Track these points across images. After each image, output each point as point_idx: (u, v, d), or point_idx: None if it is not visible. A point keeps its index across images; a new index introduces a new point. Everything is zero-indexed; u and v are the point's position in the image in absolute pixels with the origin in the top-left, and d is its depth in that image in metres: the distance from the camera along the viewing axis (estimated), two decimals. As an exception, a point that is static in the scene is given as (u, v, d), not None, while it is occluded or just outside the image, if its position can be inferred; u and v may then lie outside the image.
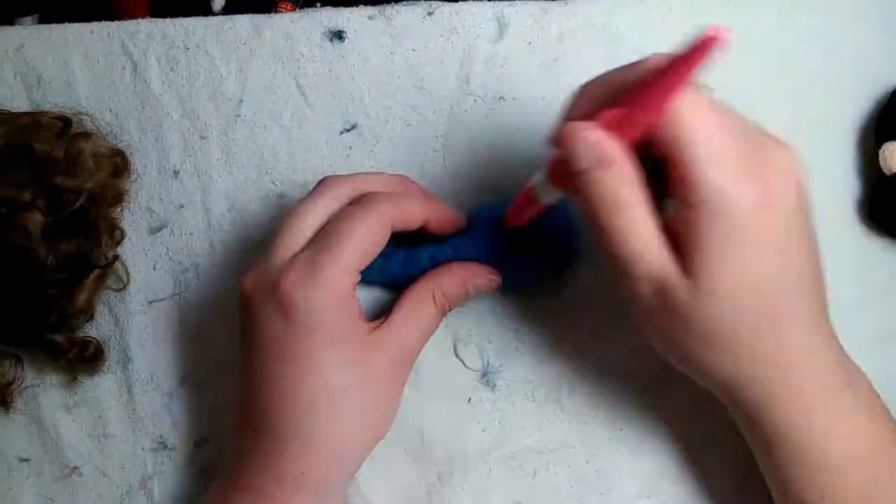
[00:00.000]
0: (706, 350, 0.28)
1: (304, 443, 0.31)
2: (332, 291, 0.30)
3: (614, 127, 0.26)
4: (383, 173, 0.35)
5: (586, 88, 0.29)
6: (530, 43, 0.39)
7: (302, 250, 0.31)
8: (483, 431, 0.37)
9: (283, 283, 0.30)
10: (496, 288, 0.35)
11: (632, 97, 0.26)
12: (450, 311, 0.34)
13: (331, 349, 0.31)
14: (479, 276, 0.35)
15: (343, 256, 0.31)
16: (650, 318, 0.29)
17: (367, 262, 0.32)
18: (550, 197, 0.31)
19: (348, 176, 0.34)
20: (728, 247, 0.26)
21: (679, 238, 0.27)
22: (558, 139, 0.27)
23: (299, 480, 0.31)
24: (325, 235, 0.31)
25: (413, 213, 0.33)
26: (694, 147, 0.26)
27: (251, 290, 0.32)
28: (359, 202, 0.32)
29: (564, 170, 0.28)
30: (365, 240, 0.31)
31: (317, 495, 0.31)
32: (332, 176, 0.34)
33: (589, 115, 0.27)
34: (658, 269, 0.27)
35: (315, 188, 0.33)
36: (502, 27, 0.40)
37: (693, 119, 0.26)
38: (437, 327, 0.34)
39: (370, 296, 0.37)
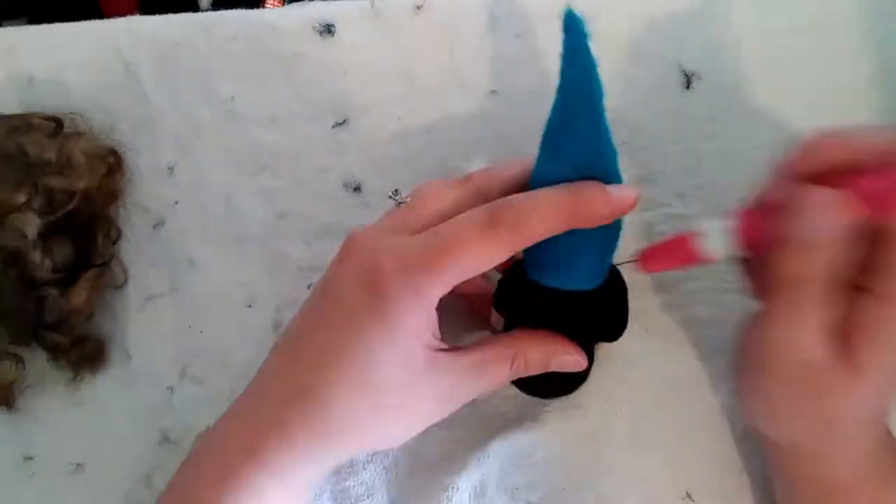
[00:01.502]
0: (815, 435, 0.29)
1: (312, 400, 0.29)
2: (421, 300, 0.29)
3: (866, 201, 0.25)
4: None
5: (821, 145, 0.28)
6: (519, 36, 0.40)
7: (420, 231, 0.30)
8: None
9: (385, 263, 0.29)
10: (580, 369, 0.33)
11: (880, 184, 0.25)
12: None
13: (389, 349, 0.29)
14: (568, 353, 0.32)
15: (448, 270, 0.29)
16: (776, 398, 0.29)
17: (469, 277, 0.29)
18: (722, 254, 0.29)
19: (498, 174, 0.32)
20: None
21: (853, 322, 0.27)
22: (786, 196, 0.26)
23: (292, 434, 0.30)
24: (446, 235, 0.29)
25: (549, 223, 0.29)
26: None
27: (358, 243, 0.30)
28: (491, 208, 0.29)
29: (764, 229, 0.27)
30: (477, 262, 0.29)
31: (297, 460, 0.30)
32: (486, 170, 0.32)
33: (821, 176, 0.26)
34: (811, 355, 0.27)
35: (467, 176, 0.32)
36: (492, 20, 0.40)
37: None
38: (499, 387, 0.33)
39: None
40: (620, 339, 0.36)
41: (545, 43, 0.39)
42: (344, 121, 0.40)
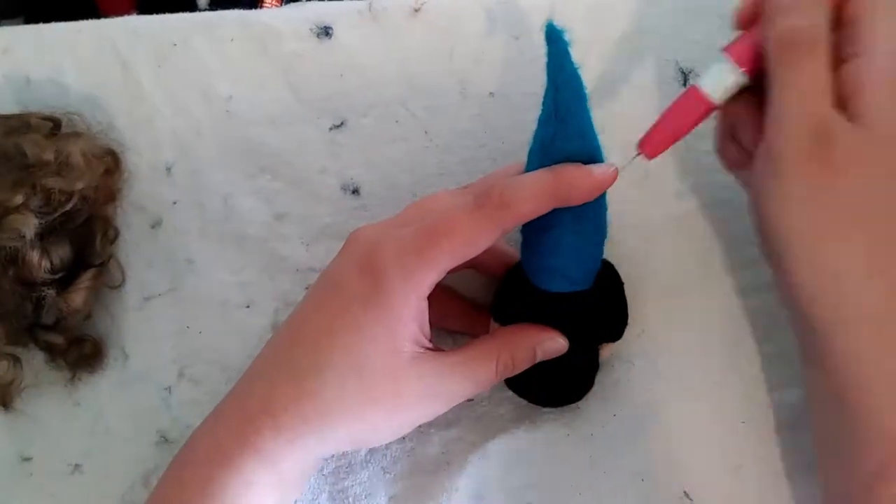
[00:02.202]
0: (840, 227, 0.28)
1: (301, 383, 0.30)
2: (411, 279, 0.29)
3: None
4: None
5: None
6: (518, 38, 0.40)
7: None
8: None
9: (382, 250, 0.30)
10: (564, 350, 0.33)
11: None
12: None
13: (379, 332, 0.30)
14: (551, 339, 0.33)
15: (440, 254, 0.29)
16: (790, 178, 0.28)
17: (458, 263, 0.30)
18: (724, 88, 0.30)
19: (498, 177, 0.32)
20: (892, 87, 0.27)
21: (845, 90, 0.27)
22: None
23: (278, 414, 0.30)
24: (435, 219, 0.30)
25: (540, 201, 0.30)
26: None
27: (360, 236, 0.31)
28: (483, 187, 0.31)
29: (753, 48, 0.29)
30: (466, 243, 0.30)
31: (283, 441, 0.30)
32: (487, 176, 0.34)
33: None
34: (824, 117, 0.27)
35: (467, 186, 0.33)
36: (491, 22, 0.40)
37: None
38: (487, 388, 0.33)
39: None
40: (620, 340, 0.36)
41: (543, 44, 0.39)
42: (342, 123, 0.40)
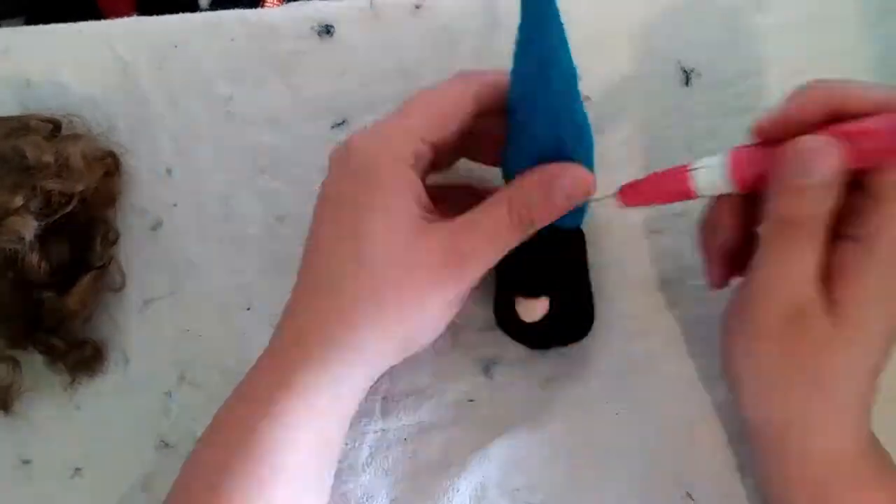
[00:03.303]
0: (804, 384, 0.29)
1: (324, 295, 0.29)
2: (389, 147, 0.29)
3: (855, 149, 0.27)
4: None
5: (809, 93, 0.28)
6: (518, 35, 0.40)
7: None
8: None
9: (364, 139, 0.30)
10: (591, 192, 0.30)
11: (869, 131, 0.26)
12: (537, 228, 0.30)
13: (378, 215, 0.29)
14: (570, 174, 0.30)
15: (410, 117, 0.30)
16: (760, 344, 0.29)
17: (438, 132, 0.30)
18: (711, 189, 0.30)
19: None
20: (879, 292, 0.28)
21: (833, 270, 0.28)
22: (781, 141, 0.28)
23: (308, 332, 0.30)
24: (413, 95, 0.31)
25: (499, 87, 0.31)
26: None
27: (348, 140, 0.31)
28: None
29: (752, 169, 0.28)
30: (435, 105, 0.30)
31: (323, 359, 0.29)
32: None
33: (808, 122, 0.27)
34: (804, 301, 0.28)
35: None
36: (491, 20, 0.40)
37: None
38: (509, 244, 0.30)
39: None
40: (619, 340, 0.36)
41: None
42: (343, 121, 0.40)
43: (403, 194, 0.29)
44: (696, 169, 0.30)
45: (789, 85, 0.38)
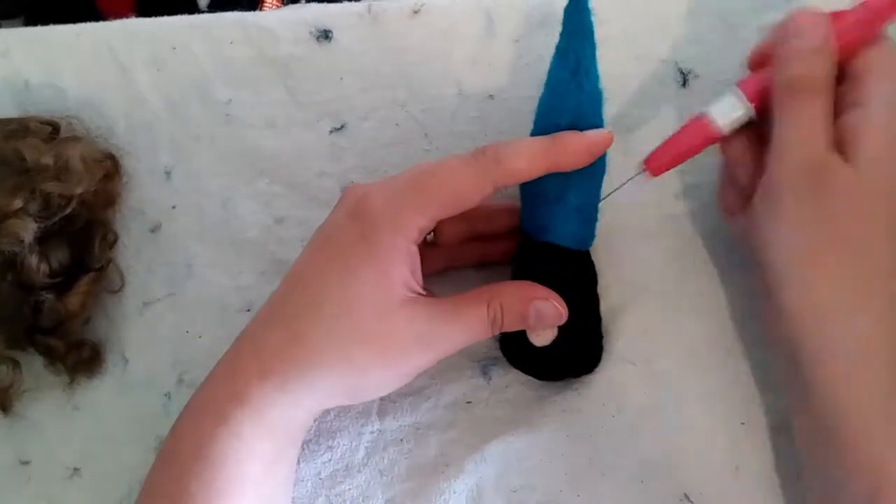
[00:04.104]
0: (820, 252, 0.29)
1: (290, 325, 0.30)
2: (398, 221, 0.30)
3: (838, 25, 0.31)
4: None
5: (785, 21, 0.32)
6: (518, 40, 0.40)
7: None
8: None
9: (373, 196, 0.31)
10: (562, 321, 0.33)
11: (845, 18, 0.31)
12: (501, 331, 0.32)
13: (370, 271, 0.30)
14: (546, 300, 0.32)
15: (425, 195, 0.30)
16: (787, 205, 0.30)
17: (447, 212, 0.31)
18: (732, 120, 0.32)
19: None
20: (887, 140, 0.29)
21: (842, 137, 0.30)
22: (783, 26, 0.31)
23: (266, 359, 0.30)
24: (429, 166, 0.31)
25: (537, 161, 0.31)
26: (877, 64, 0.30)
27: (353, 188, 0.32)
28: (482, 149, 0.31)
29: (761, 86, 0.31)
30: (457, 191, 0.30)
31: (280, 377, 0.30)
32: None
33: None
34: (821, 154, 0.29)
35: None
36: (490, 25, 0.40)
37: (878, 54, 0.31)
38: (480, 337, 0.32)
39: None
40: (618, 340, 0.36)
41: (543, 48, 0.39)
42: (342, 126, 0.40)
43: (400, 265, 0.30)
44: (712, 110, 0.32)
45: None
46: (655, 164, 0.33)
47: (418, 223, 0.30)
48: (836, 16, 0.31)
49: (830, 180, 0.29)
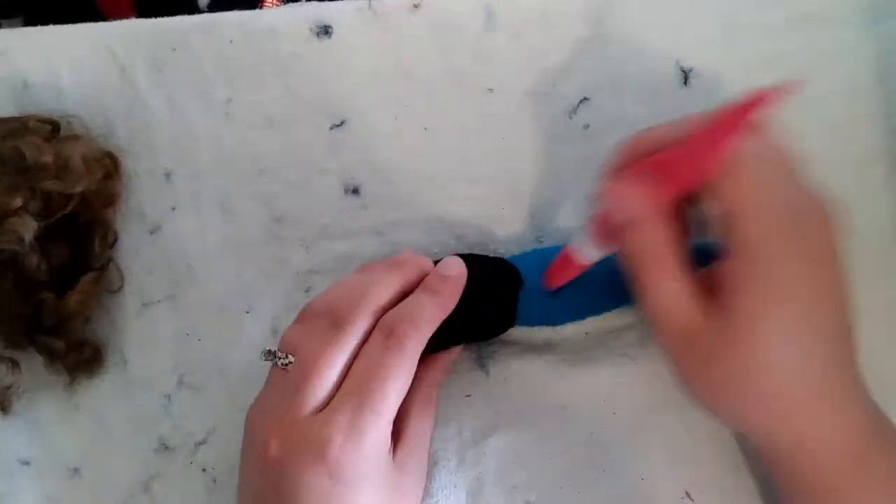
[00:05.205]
0: (736, 398, 0.29)
1: None
2: (377, 447, 0.30)
3: (655, 172, 0.29)
4: (384, 275, 0.33)
5: (629, 144, 0.31)
6: (517, 35, 0.39)
7: (331, 395, 0.30)
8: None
9: (331, 447, 0.29)
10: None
11: (679, 151, 0.28)
12: None
13: (371, 494, 0.30)
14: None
15: (386, 411, 0.30)
16: (682, 368, 0.30)
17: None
18: (589, 255, 0.32)
19: (360, 301, 0.31)
20: (766, 293, 0.27)
21: (718, 281, 0.29)
22: (600, 194, 0.30)
23: None
24: (360, 385, 0.30)
25: (435, 320, 0.32)
26: (740, 201, 0.28)
27: (283, 448, 0.29)
28: (384, 333, 0.31)
29: (607, 225, 0.30)
30: (402, 386, 0.30)
31: None
32: (345, 305, 0.31)
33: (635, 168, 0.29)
34: (686, 324, 0.29)
35: (331, 324, 0.31)
36: (489, 19, 0.40)
37: (740, 176, 0.28)
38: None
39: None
40: (618, 338, 0.37)
41: (543, 42, 0.39)
42: (342, 122, 0.40)
43: (389, 468, 0.31)
44: (575, 246, 0.32)
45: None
46: (552, 282, 0.34)
47: (388, 427, 0.30)
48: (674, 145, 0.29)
49: (698, 345, 0.29)
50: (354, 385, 0.30)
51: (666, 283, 0.29)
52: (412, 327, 0.31)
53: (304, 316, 0.32)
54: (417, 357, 0.31)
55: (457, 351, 0.36)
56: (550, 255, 0.34)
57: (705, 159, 0.28)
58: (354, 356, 0.31)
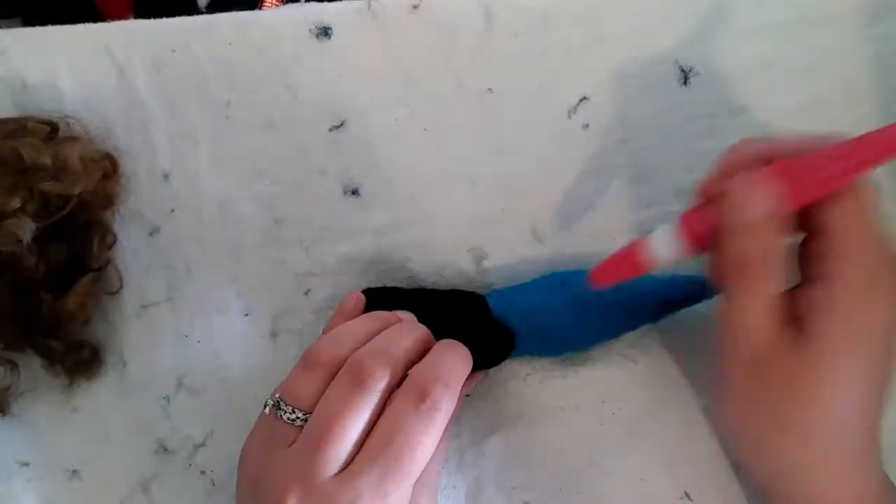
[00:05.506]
0: (782, 429, 0.28)
1: None
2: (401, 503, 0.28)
3: (791, 176, 0.27)
4: (397, 331, 0.31)
5: (738, 149, 0.30)
6: (517, 35, 0.39)
7: (353, 455, 0.28)
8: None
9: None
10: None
11: (805, 166, 0.27)
12: None
13: None
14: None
15: (415, 473, 0.28)
16: (740, 386, 0.29)
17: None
18: (665, 255, 0.30)
19: (383, 356, 0.30)
20: (850, 325, 0.27)
21: (799, 310, 0.28)
22: (710, 190, 0.29)
23: None
24: (388, 446, 0.28)
25: (463, 378, 0.31)
26: (849, 229, 0.27)
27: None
28: (415, 394, 0.29)
29: (704, 224, 0.29)
30: (433, 448, 0.29)
31: None
32: (368, 360, 0.29)
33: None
34: (764, 342, 0.28)
35: (354, 380, 0.29)
36: (489, 19, 0.40)
37: (858, 202, 0.27)
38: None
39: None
40: (616, 342, 0.37)
41: (542, 42, 0.39)
42: (341, 123, 0.40)
43: None
44: (649, 242, 0.30)
45: (789, 84, 0.39)
46: (600, 280, 0.31)
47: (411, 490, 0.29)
48: (804, 157, 0.28)
49: (773, 373, 0.28)
50: (382, 446, 0.28)
51: (759, 297, 0.28)
52: (446, 389, 0.29)
53: (310, 364, 0.30)
54: (447, 416, 0.29)
55: (471, 386, 0.36)
56: (539, 293, 0.34)
57: (855, 172, 0.26)
58: (377, 414, 0.29)
